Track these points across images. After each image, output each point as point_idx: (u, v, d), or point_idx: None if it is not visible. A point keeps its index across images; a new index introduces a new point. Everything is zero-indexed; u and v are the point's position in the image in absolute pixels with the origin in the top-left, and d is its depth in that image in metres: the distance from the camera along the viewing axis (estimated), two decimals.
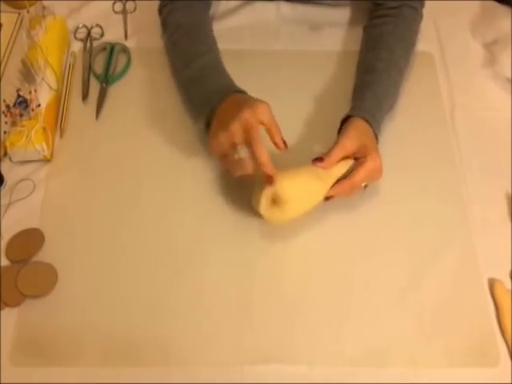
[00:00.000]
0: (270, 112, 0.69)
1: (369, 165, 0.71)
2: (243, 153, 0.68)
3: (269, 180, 0.68)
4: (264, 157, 0.66)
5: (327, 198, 0.72)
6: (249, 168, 0.68)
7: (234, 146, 0.68)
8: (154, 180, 0.79)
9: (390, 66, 0.82)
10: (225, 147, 0.68)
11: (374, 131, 0.75)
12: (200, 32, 0.84)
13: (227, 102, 0.72)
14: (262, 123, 0.68)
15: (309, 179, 0.71)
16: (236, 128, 0.67)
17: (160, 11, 0.89)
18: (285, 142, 0.71)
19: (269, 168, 0.67)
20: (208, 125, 0.74)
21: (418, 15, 0.89)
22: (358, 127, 0.74)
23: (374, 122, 0.75)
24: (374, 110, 0.77)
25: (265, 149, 0.67)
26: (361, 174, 0.71)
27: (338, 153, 0.71)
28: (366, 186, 0.73)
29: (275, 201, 0.69)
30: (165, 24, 0.88)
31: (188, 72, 0.81)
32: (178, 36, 0.84)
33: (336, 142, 0.72)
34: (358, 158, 0.73)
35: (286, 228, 0.74)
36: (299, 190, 0.70)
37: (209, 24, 0.88)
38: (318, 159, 0.71)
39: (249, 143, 0.67)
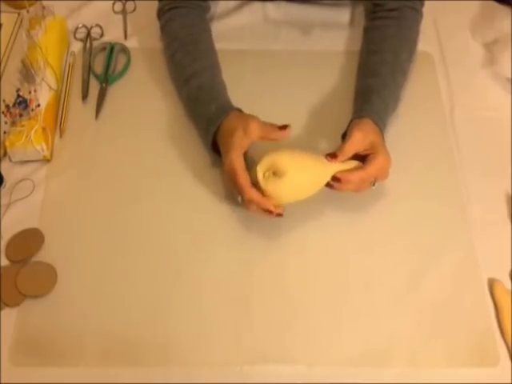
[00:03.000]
0: (260, 126, 0.70)
1: (380, 161, 0.71)
2: None
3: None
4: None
5: (329, 185, 0.70)
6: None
7: None
8: (153, 180, 0.79)
9: (394, 70, 0.82)
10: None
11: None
12: (197, 46, 0.84)
13: (222, 131, 0.74)
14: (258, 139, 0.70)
15: (308, 158, 0.70)
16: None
17: (158, 16, 0.89)
18: (284, 126, 0.70)
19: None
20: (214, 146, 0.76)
21: (418, 15, 0.89)
22: (368, 124, 0.74)
23: (381, 124, 0.76)
24: (381, 112, 0.77)
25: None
26: (373, 167, 0.70)
27: (352, 147, 0.70)
28: (374, 184, 0.72)
29: (274, 173, 0.68)
30: (162, 32, 0.88)
31: (187, 91, 0.81)
32: (176, 48, 0.84)
33: (349, 136, 0.71)
34: (366, 155, 0.72)
35: (286, 228, 0.74)
36: (298, 163, 0.69)
37: (207, 31, 0.87)
38: (332, 155, 0.70)
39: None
